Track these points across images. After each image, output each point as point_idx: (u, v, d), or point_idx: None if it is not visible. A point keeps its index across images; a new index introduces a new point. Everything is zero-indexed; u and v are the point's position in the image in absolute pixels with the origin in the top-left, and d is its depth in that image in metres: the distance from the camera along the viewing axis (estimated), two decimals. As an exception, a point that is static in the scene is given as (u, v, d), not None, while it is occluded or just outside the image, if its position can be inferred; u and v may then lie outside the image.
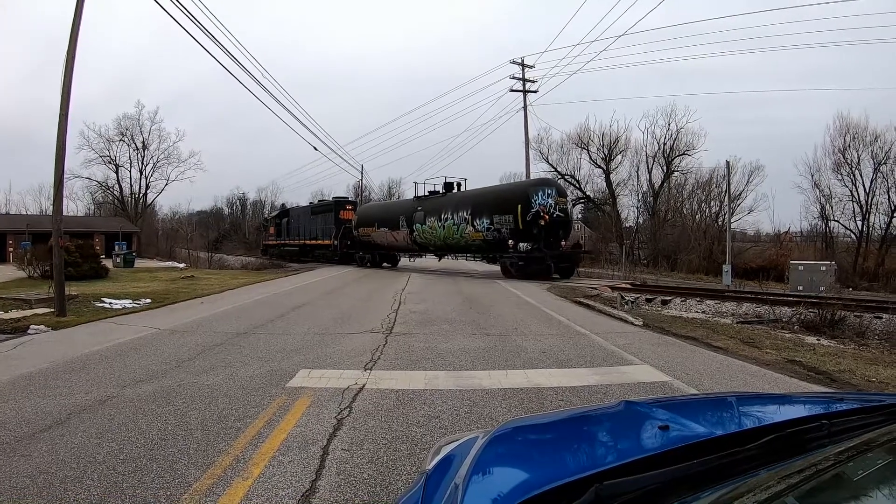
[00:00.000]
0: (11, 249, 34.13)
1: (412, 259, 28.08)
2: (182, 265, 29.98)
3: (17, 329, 7.94)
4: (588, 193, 38.43)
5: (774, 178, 60.23)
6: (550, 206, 18.64)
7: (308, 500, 2.52)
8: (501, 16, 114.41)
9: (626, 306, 11.72)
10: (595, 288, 15.24)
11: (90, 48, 61.81)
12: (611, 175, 36.78)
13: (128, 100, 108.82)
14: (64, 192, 10.53)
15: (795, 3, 40.53)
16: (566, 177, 36.73)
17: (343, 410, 3.90)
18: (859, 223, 27.96)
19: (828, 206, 29.15)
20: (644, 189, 36.49)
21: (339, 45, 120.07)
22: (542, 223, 18.28)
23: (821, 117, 61.54)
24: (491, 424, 3.21)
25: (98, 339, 7.03)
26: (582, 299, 12.18)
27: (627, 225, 37.01)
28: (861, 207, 27.79)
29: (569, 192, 25.83)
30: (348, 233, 28.69)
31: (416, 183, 28.25)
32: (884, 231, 27.07)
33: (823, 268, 16.05)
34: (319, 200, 40.27)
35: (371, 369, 5.22)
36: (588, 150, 36.94)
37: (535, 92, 28.74)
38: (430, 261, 27.60)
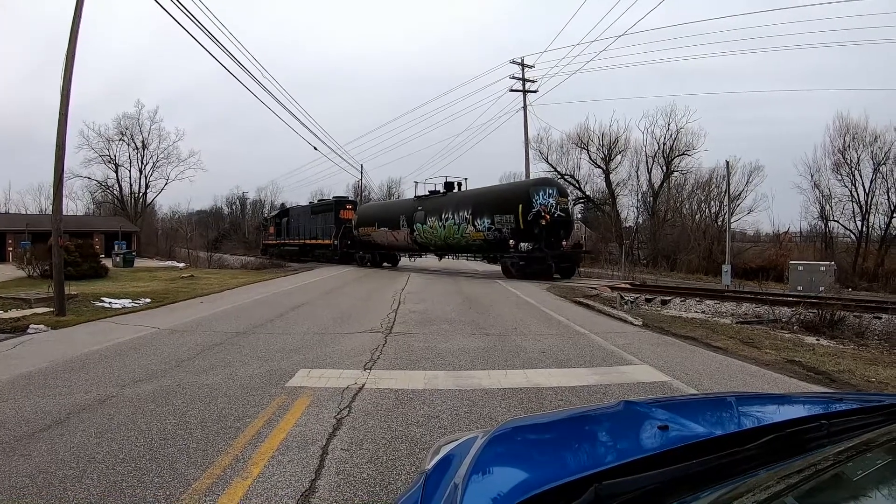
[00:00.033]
0: (11, 249, 34.13)
1: (412, 259, 28.08)
2: (181, 265, 29.96)
3: (17, 328, 7.93)
4: (588, 193, 38.49)
5: (774, 179, 60.36)
6: (551, 205, 18.63)
7: (307, 500, 2.52)
8: (501, 16, 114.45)
9: (625, 306, 11.72)
10: (594, 288, 15.24)
11: (90, 48, 61.71)
12: (610, 175, 36.85)
13: (128, 99, 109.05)
14: (63, 192, 10.52)
15: (797, 3, 40.54)
16: (566, 176, 36.76)
17: (342, 410, 3.90)
18: (859, 223, 28.03)
19: (827, 207, 29.23)
20: (644, 189, 36.58)
21: (339, 45, 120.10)
22: (544, 223, 18.26)
23: (821, 117, 61.44)
24: (490, 424, 3.21)
25: (97, 338, 7.03)
26: (581, 299, 12.18)
27: (627, 225, 37.05)
28: (861, 208, 27.84)
29: (569, 192, 25.82)
30: (348, 232, 28.68)
31: (416, 182, 28.33)
32: (883, 231, 27.11)
33: (823, 268, 16.06)
34: (319, 200, 40.28)
35: (370, 369, 5.22)
36: (588, 150, 37.02)
37: (534, 92, 28.80)
38: (430, 260, 27.61)
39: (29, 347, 6.55)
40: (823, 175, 29.25)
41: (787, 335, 8.20)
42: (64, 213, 11.19)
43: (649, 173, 36.12)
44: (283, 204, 50.26)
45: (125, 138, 47.26)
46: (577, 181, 37.64)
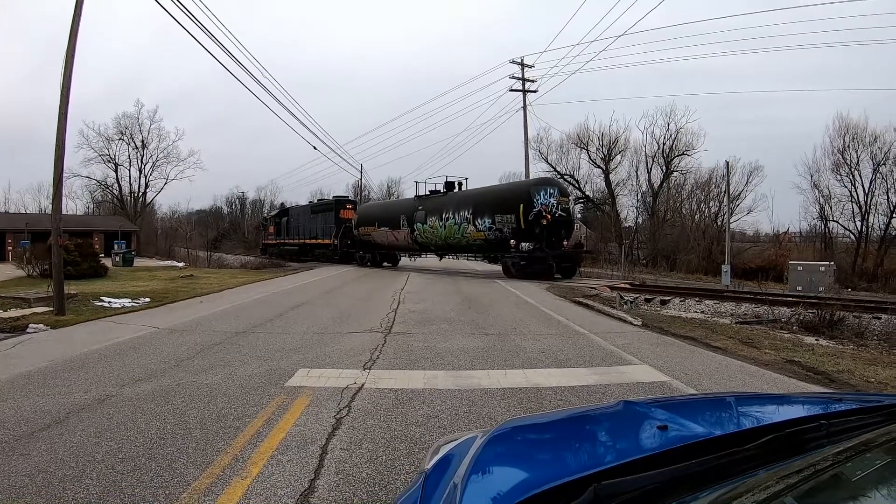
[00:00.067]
0: (10, 248, 34.08)
1: (413, 258, 28.05)
2: (181, 264, 29.93)
3: (16, 328, 7.92)
4: (587, 193, 38.50)
5: (774, 179, 60.31)
6: (553, 205, 18.61)
7: (307, 500, 2.52)
8: (501, 16, 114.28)
9: (625, 306, 11.72)
10: (594, 288, 15.25)
11: (90, 47, 61.60)
12: (610, 175, 36.86)
13: (128, 99, 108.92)
14: (63, 191, 10.52)
15: (798, 3, 40.51)
16: (565, 176, 36.76)
17: (342, 410, 3.89)
18: (858, 224, 28.05)
19: (827, 207, 29.25)
20: (643, 189, 36.60)
21: (339, 45, 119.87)
22: (545, 223, 18.25)
23: (823, 117, 61.61)
24: (490, 424, 3.21)
25: (97, 337, 7.02)
26: (581, 299, 12.19)
27: (626, 225, 37.05)
28: (860, 208, 27.86)
29: (569, 192, 25.81)
30: (348, 232, 28.66)
31: (416, 182, 28.25)
32: (883, 232, 27.13)
33: (822, 268, 16.07)
34: (319, 199, 40.24)
35: (370, 369, 5.22)
36: (587, 150, 37.03)
37: (534, 92, 28.81)
38: (430, 260, 27.59)
39: (28, 347, 6.55)
40: (823, 175, 29.32)
41: (786, 335, 8.21)
42: (63, 212, 11.19)
43: (649, 173, 36.19)
44: (282, 203, 50.34)
45: (125, 138, 47.29)
46: (577, 181, 37.67)
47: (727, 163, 26.14)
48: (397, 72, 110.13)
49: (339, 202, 32.45)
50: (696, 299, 12.92)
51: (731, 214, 27.85)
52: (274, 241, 37.53)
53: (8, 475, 2.74)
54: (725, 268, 19.74)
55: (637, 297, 13.50)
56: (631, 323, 8.72)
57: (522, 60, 28.14)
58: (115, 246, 31.21)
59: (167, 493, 2.56)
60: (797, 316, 9.64)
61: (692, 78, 66.05)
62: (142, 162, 48.60)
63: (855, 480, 0.79)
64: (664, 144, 35.22)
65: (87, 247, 19.79)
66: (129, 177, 49.10)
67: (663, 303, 13.02)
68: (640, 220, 37.21)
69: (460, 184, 23.02)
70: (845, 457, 0.82)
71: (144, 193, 50.38)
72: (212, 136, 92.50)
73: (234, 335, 7.10)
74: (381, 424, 3.59)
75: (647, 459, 0.83)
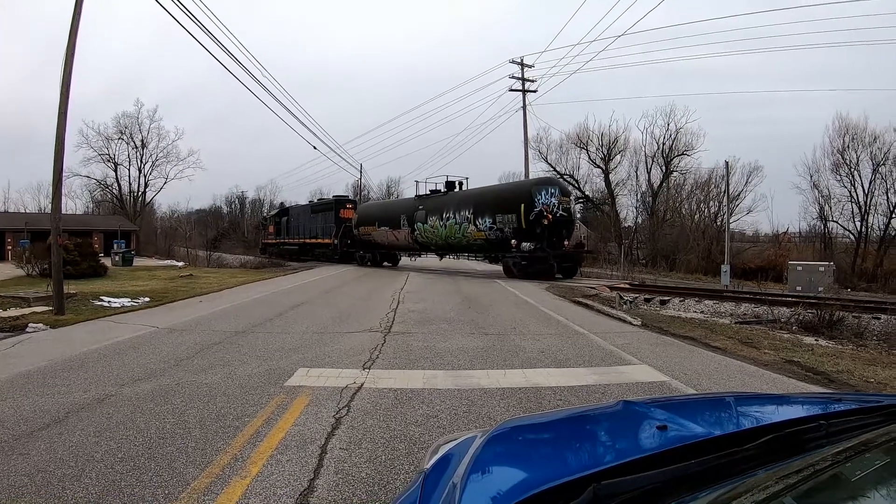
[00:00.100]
0: (10, 247, 34.04)
1: (413, 258, 28.04)
2: (181, 264, 29.91)
3: (16, 327, 7.92)
4: (587, 193, 38.51)
5: (774, 179, 60.16)
6: (553, 205, 18.61)
7: (306, 499, 2.52)
8: (501, 16, 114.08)
9: (624, 306, 11.72)
10: (594, 288, 15.25)
11: (90, 47, 61.47)
12: (610, 175, 36.88)
13: (127, 98, 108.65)
14: (63, 191, 10.52)
15: (800, 3, 40.48)
16: (565, 176, 36.74)
17: (341, 409, 3.89)
18: (858, 224, 28.08)
19: (826, 207, 29.28)
20: (643, 189, 36.61)
21: (339, 45, 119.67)
22: (546, 222, 18.24)
23: (824, 118, 61.34)
24: (489, 424, 3.21)
25: (96, 337, 7.02)
26: (580, 299, 12.19)
27: (626, 225, 37.06)
28: (860, 208, 27.88)
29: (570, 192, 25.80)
30: (348, 231, 28.64)
31: (417, 182, 28.21)
32: (882, 232, 27.15)
33: (822, 268, 16.07)
34: (319, 199, 40.21)
35: (370, 368, 5.22)
36: (587, 150, 37.05)
37: (534, 92, 28.81)
38: (431, 260, 27.57)
39: (28, 346, 6.55)
40: (823, 175, 29.36)
41: (785, 335, 8.21)
42: (63, 211, 11.19)
43: (648, 173, 36.20)
44: (282, 203, 50.37)
45: (124, 137, 47.24)
46: (577, 181, 37.67)
47: (727, 163, 26.17)
48: (397, 72, 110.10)
49: (339, 202, 32.41)
50: (696, 299, 12.93)
51: (731, 214, 27.90)
52: (274, 241, 37.51)
53: (7, 475, 2.74)
54: (725, 268, 19.75)
55: (636, 297, 13.51)
56: (630, 323, 8.72)
57: (522, 60, 28.17)
58: (115, 245, 31.23)
59: (166, 492, 2.56)
60: (796, 316, 9.65)
61: (692, 78, 65.99)
62: (141, 161, 48.63)
63: (854, 480, 0.79)
64: (664, 144, 35.28)
65: (87, 246, 19.78)
66: (129, 176, 49.14)
67: (663, 303, 13.03)
68: (639, 220, 37.26)
69: (461, 183, 23.02)
70: (845, 457, 0.82)
71: (144, 193, 50.43)
72: (211, 135, 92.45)
73: (234, 335, 7.10)
74: (380, 424, 3.59)
75: (646, 459, 0.83)
